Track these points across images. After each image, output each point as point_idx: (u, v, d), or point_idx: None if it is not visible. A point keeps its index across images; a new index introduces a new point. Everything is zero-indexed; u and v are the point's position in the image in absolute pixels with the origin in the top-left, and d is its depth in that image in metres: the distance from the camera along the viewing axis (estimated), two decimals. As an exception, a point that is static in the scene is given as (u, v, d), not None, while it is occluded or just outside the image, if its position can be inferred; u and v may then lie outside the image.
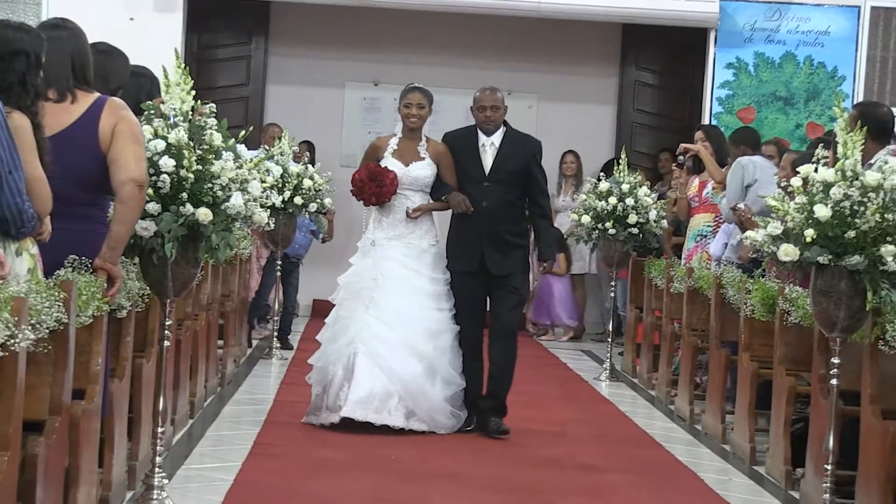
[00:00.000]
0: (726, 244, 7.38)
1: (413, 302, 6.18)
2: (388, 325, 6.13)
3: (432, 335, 6.18)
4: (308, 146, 10.99)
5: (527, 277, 6.53)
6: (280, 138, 8.70)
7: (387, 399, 6.02)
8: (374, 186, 6.20)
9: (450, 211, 6.37)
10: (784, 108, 10.62)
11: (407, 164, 6.30)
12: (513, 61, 11.56)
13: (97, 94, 4.17)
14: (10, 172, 3.54)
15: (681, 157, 8.27)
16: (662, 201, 8.73)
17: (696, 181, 8.13)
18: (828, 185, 4.39)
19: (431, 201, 6.35)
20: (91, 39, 4.61)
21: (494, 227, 6.24)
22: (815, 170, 4.47)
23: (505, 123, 6.39)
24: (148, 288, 4.50)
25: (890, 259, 4.28)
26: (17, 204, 3.57)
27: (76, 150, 4.01)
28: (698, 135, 8.26)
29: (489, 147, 6.32)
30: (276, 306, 9.01)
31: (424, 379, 6.10)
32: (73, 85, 4.10)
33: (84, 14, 9.04)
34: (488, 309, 6.39)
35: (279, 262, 8.85)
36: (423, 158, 6.32)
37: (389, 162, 6.30)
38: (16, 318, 3.12)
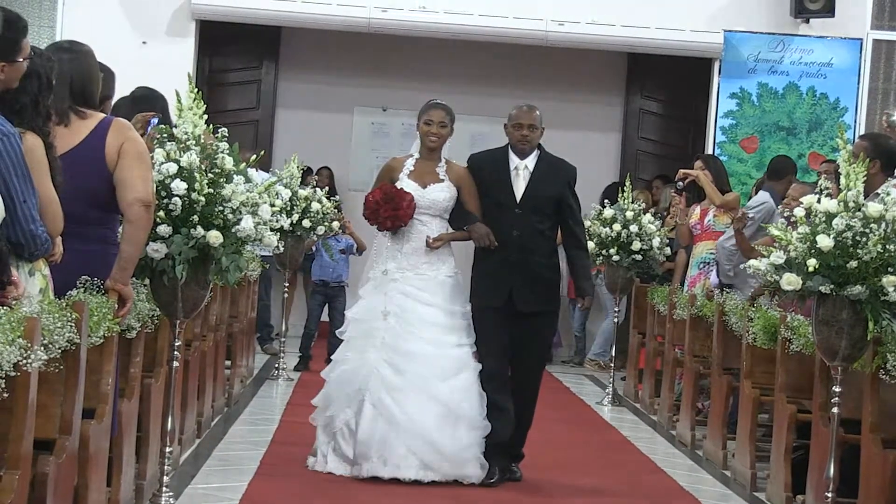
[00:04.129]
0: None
1: (429, 339, 5.63)
2: (398, 371, 5.59)
3: (450, 374, 5.62)
4: (328, 172, 11.17)
5: (556, 318, 5.96)
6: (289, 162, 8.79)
7: (392, 451, 5.50)
8: (390, 209, 5.65)
9: (471, 241, 5.83)
10: (786, 137, 10.67)
11: (424, 187, 5.76)
12: (519, 88, 11.60)
13: (102, 115, 4.23)
14: (25, 201, 3.59)
15: (679, 183, 8.32)
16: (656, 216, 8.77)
17: (697, 209, 8.16)
18: (830, 216, 4.45)
19: (451, 229, 5.81)
20: (103, 63, 4.71)
21: (525, 259, 5.67)
22: (818, 200, 4.54)
23: (539, 146, 5.82)
24: (158, 309, 4.54)
25: (891, 289, 4.33)
26: (31, 230, 3.62)
27: (84, 170, 4.06)
28: (697, 164, 8.32)
29: (522, 171, 5.75)
30: (284, 328, 9.08)
31: (442, 425, 5.53)
32: (70, 105, 4.15)
33: (97, 38, 9.05)
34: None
35: (275, 285, 8.91)
36: (443, 181, 5.78)
37: (405, 183, 5.75)
38: (28, 340, 3.14)
